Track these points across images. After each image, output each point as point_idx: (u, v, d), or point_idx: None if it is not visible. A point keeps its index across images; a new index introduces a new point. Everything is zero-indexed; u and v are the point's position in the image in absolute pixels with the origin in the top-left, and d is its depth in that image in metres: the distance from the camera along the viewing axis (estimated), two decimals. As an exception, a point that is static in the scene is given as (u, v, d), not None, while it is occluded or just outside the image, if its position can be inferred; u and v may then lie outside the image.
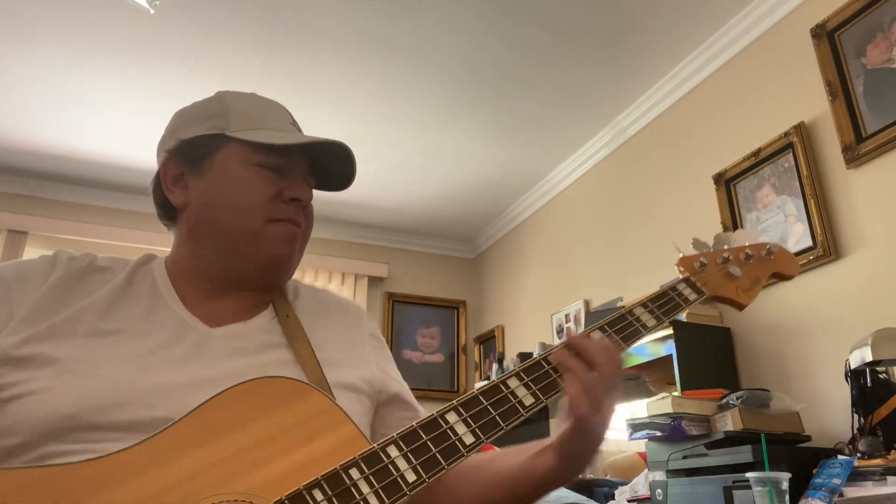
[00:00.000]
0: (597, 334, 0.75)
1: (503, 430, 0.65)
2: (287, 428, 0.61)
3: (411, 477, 0.58)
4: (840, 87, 1.98)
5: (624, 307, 0.80)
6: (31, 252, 3.45)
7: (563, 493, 2.11)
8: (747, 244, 0.92)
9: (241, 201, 0.80)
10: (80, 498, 0.53)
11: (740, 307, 0.87)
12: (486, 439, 0.64)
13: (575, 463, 0.73)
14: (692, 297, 0.84)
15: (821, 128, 2.06)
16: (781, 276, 0.92)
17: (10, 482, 0.52)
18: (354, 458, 0.59)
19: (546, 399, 0.69)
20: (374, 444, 0.60)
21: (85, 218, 3.61)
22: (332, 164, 0.89)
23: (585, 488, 2.27)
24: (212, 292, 0.82)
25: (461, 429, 0.64)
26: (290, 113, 0.90)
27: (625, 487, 2.15)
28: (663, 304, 0.81)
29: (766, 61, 2.31)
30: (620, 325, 0.77)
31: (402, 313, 4.16)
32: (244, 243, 0.80)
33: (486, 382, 0.69)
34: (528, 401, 0.68)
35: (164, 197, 0.85)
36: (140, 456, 0.57)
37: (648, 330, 0.78)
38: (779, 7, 2.24)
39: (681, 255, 0.90)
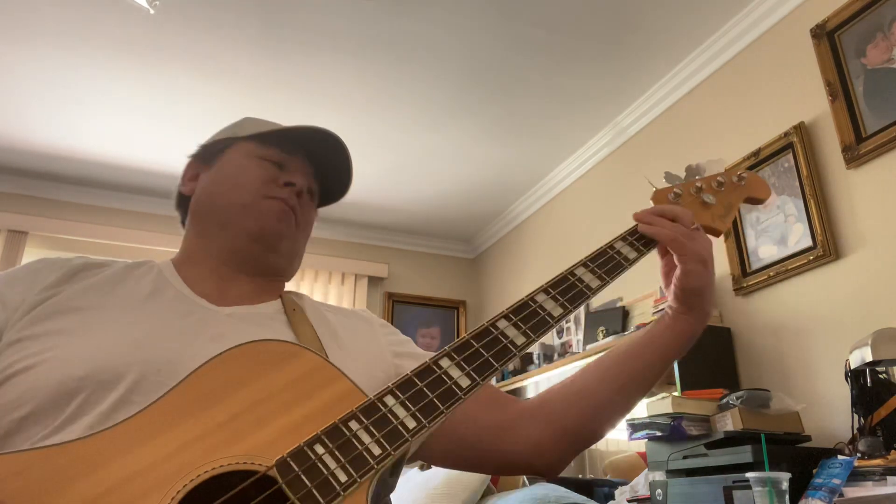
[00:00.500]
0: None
1: (497, 370, 0.66)
2: (281, 388, 0.61)
3: (411, 423, 0.59)
4: (840, 88, 1.98)
5: (604, 244, 0.82)
6: (31, 252, 3.45)
7: (562, 493, 2.11)
8: (718, 172, 0.93)
9: (238, 180, 0.86)
10: (74, 476, 0.52)
11: (717, 233, 0.88)
12: (482, 380, 0.65)
13: (699, 297, 0.79)
14: None
15: (821, 128, 2.06)
16: (754, 201, 0.93)
17: (2, 466, 0.52)
18: (352, 410, 0.59)
19: (536, 337, 0.70)
20: (371, 396, 0.61)
21: (85, 218, 3.60)
22: (329, 169, 0.93)
23: (585, 488, 2.27)
24: (217, 276, 0.84)
25: (455, 372, 0.64)
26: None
27: (625, 487, 2.15)
28: (641, 236, 0.82)
29: (766, 61, 2.31)
30: (602, 259, 0.79)
31: (401, 313, 4.16)
32: (236, 213, 0.84)
33: (476, 328, 0.70)
34: (520, 340, 0.69)
35: (184, 202, 0.91)
36: (133, 430, 0.56)
37: (630, 262, 0.80)
38: (779, 7, 2.24)
39: (654, 189, 0.90)
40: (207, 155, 0.91)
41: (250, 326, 0.78)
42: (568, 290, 0.74)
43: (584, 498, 2.10)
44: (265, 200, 0.85)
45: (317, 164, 0.92)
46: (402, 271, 4.27)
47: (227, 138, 0.90)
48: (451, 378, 0.63)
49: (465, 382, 0.63)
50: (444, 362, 0.65)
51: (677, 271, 0.79)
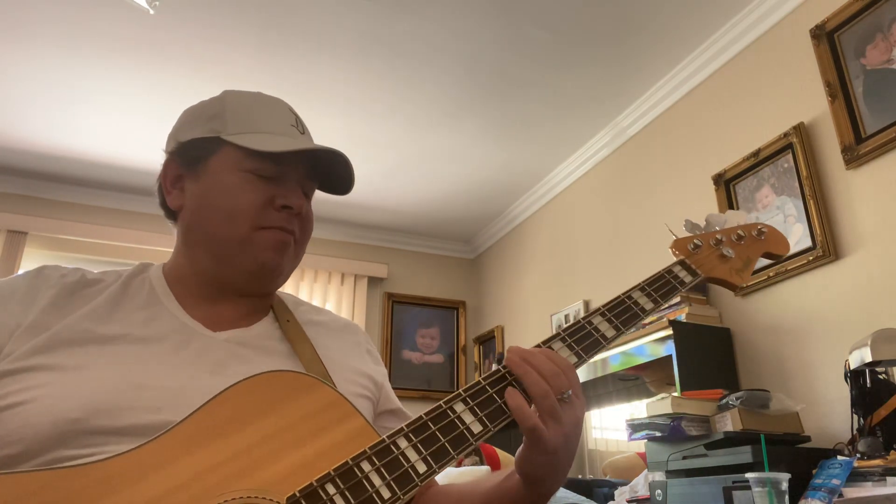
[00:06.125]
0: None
1: (509, 418, 0.65)
2: (296, 422, 0.60)
3: (422, 467, 0.59)
4: (839, 88, 1.98)
5: (623, 292, 0.81)
6: (30, 252, 3.45)
7: (562, 492, 2.11)
8: (739, 225, 0.93)
9: (230, 207, 0.79)
10: (90, 499, 0.52)
11: (735, 288, 0.88)
12: (494, 428, 0.64)
13: (538, 485, 0.67)
14: (688, 279, 0.84)
15: (820, 128, 2.06)
16: (772, 256, 0.93)
17: (18, 486, 0.52)
18: (365, 450, 0.59)
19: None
20: (384, 437, 0.60)
21: (85, 218, 3.60)
22: (332, 168, 0.88)
23: (585, 489, 2.27)
24: (209, 297, 0.82)
25: (468, 418, 0.64)
26: (293, 113, 0.88)
27: (624, 488, 2.15)
28: (660, 286, 0.82)
29: (765, 61, 2.31)
30: (619, 308, 0.78)
31: (401, 314, 4.15)
32: (232, 250, 0.80)
33: (489, 371, 0.69)
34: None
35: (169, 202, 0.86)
36: (149, 455, 0.56)
37: (647, 313, 0.79)
38: (778, 7, 2.24)
39: (674, 237, 0.90)
40: (189, 157, 0.83)
41: (249, 352, 0.77)
42: (583, 338, 0.74)
43: (584, 498, 2.10)
44: (261, 232, 0.80)
45: (313, 161, 0.86)
46: (402, 271, 4.27)
47: (212, 139, 0.82)
48: (464, 423, 0.63)
49: (476, 428, 0.63)
50: (459, 406, 0.64)
51: (520, 449, 0.66)
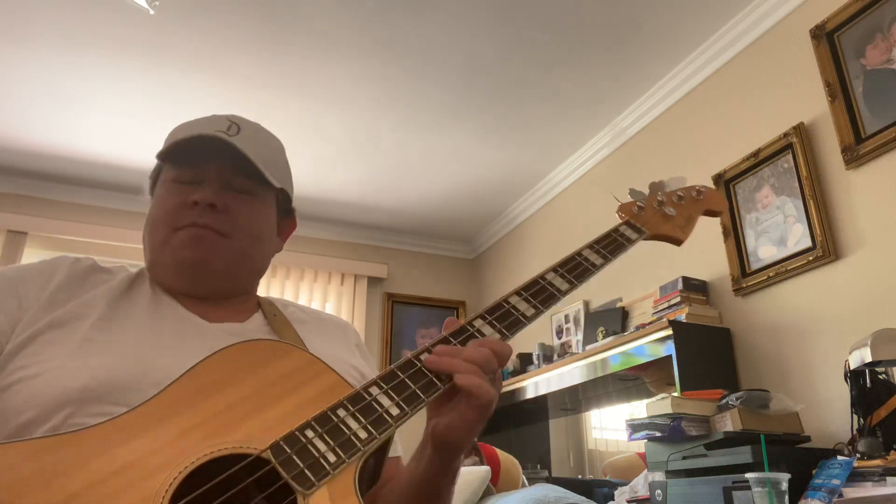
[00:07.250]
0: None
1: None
2: (274, 381, 0.65)
3: (395, 411, 0.63)
4: (839, 88, 1.98)
5: (574, 251, 0.86)
6: (30, 252, 3.45)
7: (562, 493, 2.11)
8: (679, 188, 1.00)
9: (155, 216, 0.85)
10: (85, 458, 0.55)
11: (678, 242, 0.94)
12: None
13: (454, 455, 0.69)
14: (633, 236, 0.90)
15: (820, 128, 2.06)
16: (712, 213, 1.00)
17: (15, 453, 0.54)
18: (340, 399, 0.63)
19: (511, 334, 0.74)
20: (357, 387, 0.64)
21: (85, 218, 3.61)
22: (262, 149, 0.87)
23: (585, 489, 2.27)
24: (196, 300, 0.86)
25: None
26: (231, 121, 0.86)
27: (624, 488, 2.15)
28: (608, 244, 0.89)
29: (765, 62, 2.31)
30: (570, 265, 0.84)
31: (401, 314, 4.16)
32: (158, 254, 0.84)
33: (453, 327, 0.75)
34: (488, 330, 0.73)
35: None
36: (139, 418, 0.60)
37: (597, 268, 0.85)
38: (779, 8, 2.24)
39: (619, 203, 0.96)
40: (151, 186, 0.91)
41: (243, 339, 0.81)
42: (539, 292, 0.79)
43: (584, 498, 2.10)
44: (177, 232, 0.82)
45: (241, 159, 0.83)
46: (401, 271, 4.27)
47: (158, 165, 0.89)
48: (432, 371, 0.67)
49: (444, 374, 0.67)
50: (425, 356, 0.68)
51: (450, 419, 0.66)
